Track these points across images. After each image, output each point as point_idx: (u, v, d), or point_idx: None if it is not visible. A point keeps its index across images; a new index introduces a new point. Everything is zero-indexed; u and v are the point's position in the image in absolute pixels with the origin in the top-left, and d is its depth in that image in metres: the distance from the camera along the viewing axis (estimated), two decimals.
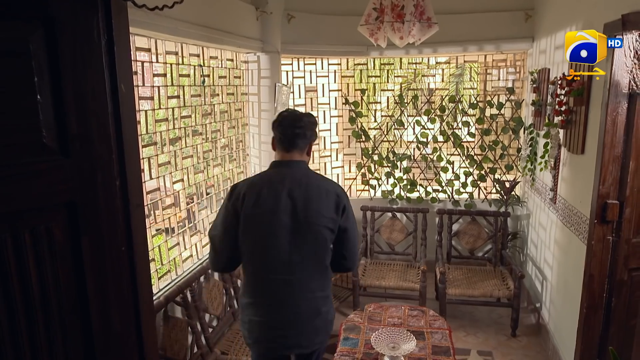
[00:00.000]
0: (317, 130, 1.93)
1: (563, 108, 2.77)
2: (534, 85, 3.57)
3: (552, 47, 3.27)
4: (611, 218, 2.33)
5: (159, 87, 2.46)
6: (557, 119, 2.89)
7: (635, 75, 2.12)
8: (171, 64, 2.56)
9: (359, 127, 4.38)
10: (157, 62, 2.43)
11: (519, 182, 4.11)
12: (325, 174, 4.44)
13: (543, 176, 3.48)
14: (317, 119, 1.96)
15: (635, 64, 2.09)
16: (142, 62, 2.31)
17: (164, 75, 2.51)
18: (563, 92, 2.77)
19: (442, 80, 4.50)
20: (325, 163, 4.49)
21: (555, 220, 3.11)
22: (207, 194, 3.13)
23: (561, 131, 2.95)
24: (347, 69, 4.44)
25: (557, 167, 3.05)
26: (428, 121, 4.33)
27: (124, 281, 1.03)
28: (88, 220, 0.94)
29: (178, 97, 2.65)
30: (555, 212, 3.10)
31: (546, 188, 3.33)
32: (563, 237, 2.93)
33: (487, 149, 4.23)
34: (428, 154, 4.38)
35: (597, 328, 2.50)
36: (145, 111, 2.36)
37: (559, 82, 2.79)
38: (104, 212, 0.96)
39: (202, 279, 2.70)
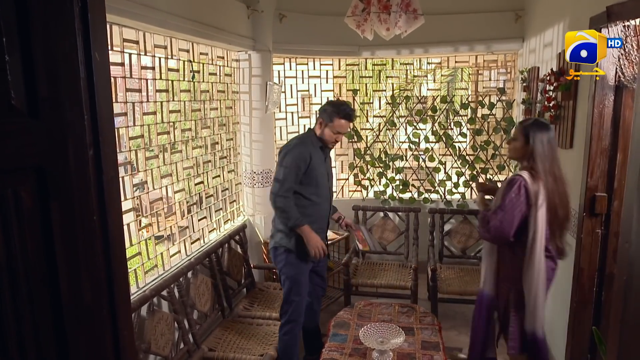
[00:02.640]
0: (326, 111, 2.58)
1: (552, 104, 2.78)
2: (524, 84, 3.59)
3: (541, 45, 3.29)
4: (600, 211, 2.33)
5: (147, 79, 2.45)
6: (546, 115, 2.90)
7: (621, 67, 2.13)
8: (160, 58, 2.56)
9: (351, 127, 4.38)
10: (146, 54, 2.42)
11: None
12: None
13: None
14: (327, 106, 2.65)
15: (621, 54, 2.11)
16: (130, 54, 2.31)
17: (152, 68, 2.51)
18: (552, 88, 2.78)
19: (434, 81, 4.52)
20: None
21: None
22: (197, 192, 3.11)
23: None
24: (339, 69, 4.46)
25: None
26: (420, 122, 4.34)
27: (95, 252, 1.01)
28: (58, 186, 0.92)
29: (167, 91, 2.65)
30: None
31: None
32: None
33: (478, 149, 4.24)
34: (420, 154, 4.38)
35: (588, 323, 2.48)
36: (133, 103, 2.35)
37: (548, 77, 2.80)
38: (75, 179, 0.94)
39: (189, 274, 2.67)
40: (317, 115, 2.65)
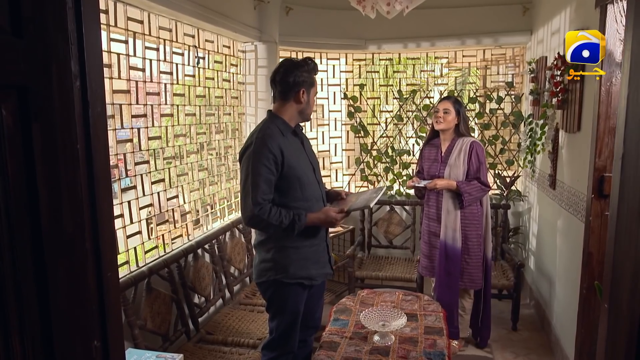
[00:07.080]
0: (298, 75, 1.97)
1: (559, 88, 2.73)
2: (532, 75, 3.55)
3: (549, 33, 3.26)
4: (608, 192, 2.26)
5: (150, 60, 2.47)
6: (553, 100, 2.86)
7: None
8: (164, 40, 2.58)
9: (358, 122, 4.37)
10: (150, 35, 2.45)
11: (519, 176, 4.04)
12: (324, 169, 4.41)
13: (542, 164, 3.42)
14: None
15: None
16: (134, 33, 2.33)
17: (157, 49, 2.53)
18: (559, 73, 2.74)
19: (442, 75, 4.50)
20: (323, 158, 4.46)
21: (554, 205, 3.04)
22: (200, 178, 3.11)
23: (558, 112, 2.91)
24: (347, 64, 4.46)
25: (555, 151, 3.00)
26: (427, 116, 4.31)
27: (78, 181, 0.99)
28: (40, 108, 0.91)
29: (171, 73, 2.67)
30: (554, 198, 3.03)
31: (545, 175, 3.27)
32: (562, 220, 2.86)
33: (487, 144, 4.18)
34: None
35: (597, 310, 2.39)
36: (137, 82, 2.37)
37: (555, 62, 2.76)
38: (58, 104, 0.93)
39: (190, 257, 2.65)
40: (284, 88, 1.96)
